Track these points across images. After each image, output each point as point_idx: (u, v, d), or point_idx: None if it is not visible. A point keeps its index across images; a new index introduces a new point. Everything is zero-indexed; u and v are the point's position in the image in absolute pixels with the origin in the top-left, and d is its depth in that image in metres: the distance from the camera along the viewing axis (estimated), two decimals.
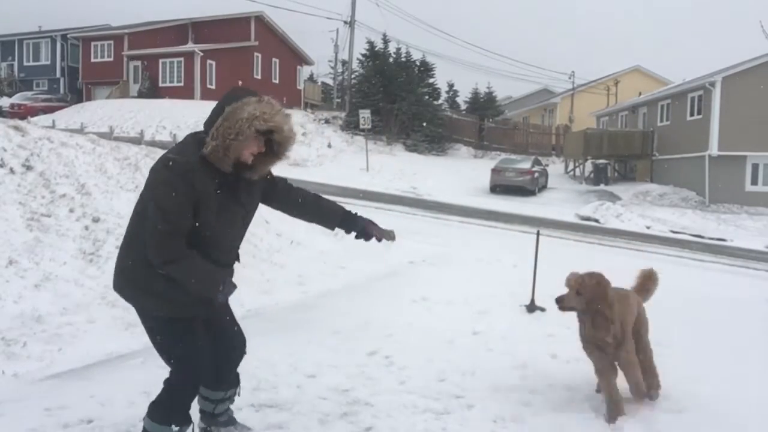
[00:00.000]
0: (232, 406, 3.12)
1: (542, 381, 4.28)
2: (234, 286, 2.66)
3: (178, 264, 2.47)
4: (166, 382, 2.72)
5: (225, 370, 2.94)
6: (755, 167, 22.04)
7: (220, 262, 2.65)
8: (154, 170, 2.53)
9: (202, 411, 3.04)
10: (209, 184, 2.48)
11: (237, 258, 2.85)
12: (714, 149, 22.11)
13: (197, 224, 2.49)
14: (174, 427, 2.70)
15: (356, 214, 3.03)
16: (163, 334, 2.65)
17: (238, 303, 6.02)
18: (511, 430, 3.50)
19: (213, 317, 2.81)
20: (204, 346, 2.72)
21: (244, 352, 3.04)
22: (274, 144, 2.59)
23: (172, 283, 2.51)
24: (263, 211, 10.58)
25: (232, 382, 3.03)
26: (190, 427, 2.79)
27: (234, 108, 2.47)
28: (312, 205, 3.01)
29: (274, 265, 7.49)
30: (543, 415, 3.73)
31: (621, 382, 3.72)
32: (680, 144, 24.20)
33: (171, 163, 2.46)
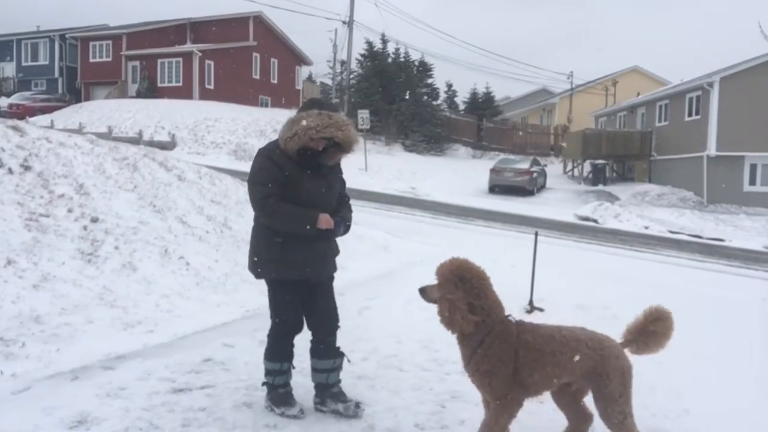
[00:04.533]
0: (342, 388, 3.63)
1: None
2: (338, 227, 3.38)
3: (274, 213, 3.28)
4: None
5: (321, 341, 3.54)
6: (753, 167, 22.07)
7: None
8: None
9: (316, 385, 3.59)
10: (284, 164, 3.27)
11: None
12: (712, 149, 22.14)
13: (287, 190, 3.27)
14: (277, 364, 3.47)
15: (335, 220, 3.45)
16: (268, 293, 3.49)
17: (238, 304, 6.04)
18: (511, 430, 3.50)
19: (312, 292, 3.47)
20: (293, 307, 3.44)
21: (336, 327, 3.59)
22: (339, 141, 3.30)
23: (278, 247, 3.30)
24: None
25: (333, 353, 3.56)
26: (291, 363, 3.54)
27: (298, 116, 3.29)
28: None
29: None
30: (543, 414, 3.73)
31: None
32: (678, 144, 24.23)
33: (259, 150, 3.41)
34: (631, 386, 2.96)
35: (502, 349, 2.87)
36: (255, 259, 3.45)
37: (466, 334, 2.92)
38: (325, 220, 3.26)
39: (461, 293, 2.87)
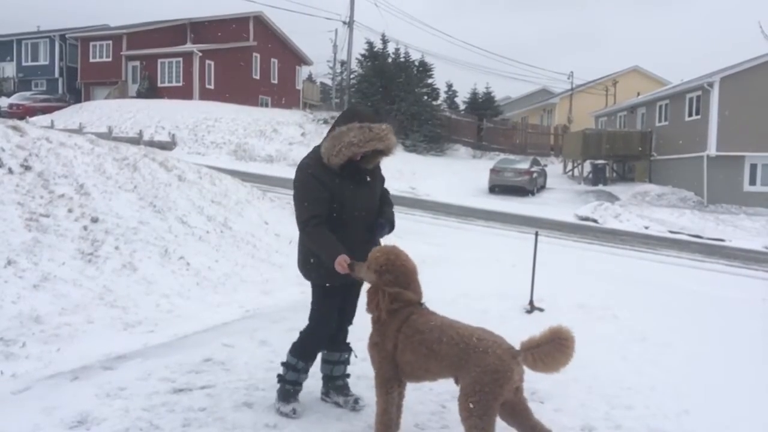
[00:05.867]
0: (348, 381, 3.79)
1: (542, 381, 4.28)
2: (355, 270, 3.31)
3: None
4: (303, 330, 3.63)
5: (339, 335, 3.70)
6: (753, 167, 22.07)
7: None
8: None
9: (323, 377, 3.75)
10: (326, 178, 3.34)
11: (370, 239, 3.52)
12: (712, 149, 22.14)
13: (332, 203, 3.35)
14: (294, 359, 3.57)
15: (380, 222, 3.58)
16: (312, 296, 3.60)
17: (238, 304, 6.04)
18: (512, 431, 3.50)
19: (350, 290, 3.62)
20: (335, 316, 3.58)
21: (350, 323, 3.77)
22: (380, 150, 3.40)
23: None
24: (262, 211, 10.52)
25: (342, 347, 3.73)
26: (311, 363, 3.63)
27: (340, 132, 3.30)
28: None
29: (273, 265, 7.49)
30: (544, 415, 3.73)
31: None
32: (679, 144, 24.23)
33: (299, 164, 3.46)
34: (494, 393, 2.72)
35: (389, 324, 3.11)
36: (304, 265, 3.58)
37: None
38: (339, 265, 3.27)
39: (381, 282, 3.19)
